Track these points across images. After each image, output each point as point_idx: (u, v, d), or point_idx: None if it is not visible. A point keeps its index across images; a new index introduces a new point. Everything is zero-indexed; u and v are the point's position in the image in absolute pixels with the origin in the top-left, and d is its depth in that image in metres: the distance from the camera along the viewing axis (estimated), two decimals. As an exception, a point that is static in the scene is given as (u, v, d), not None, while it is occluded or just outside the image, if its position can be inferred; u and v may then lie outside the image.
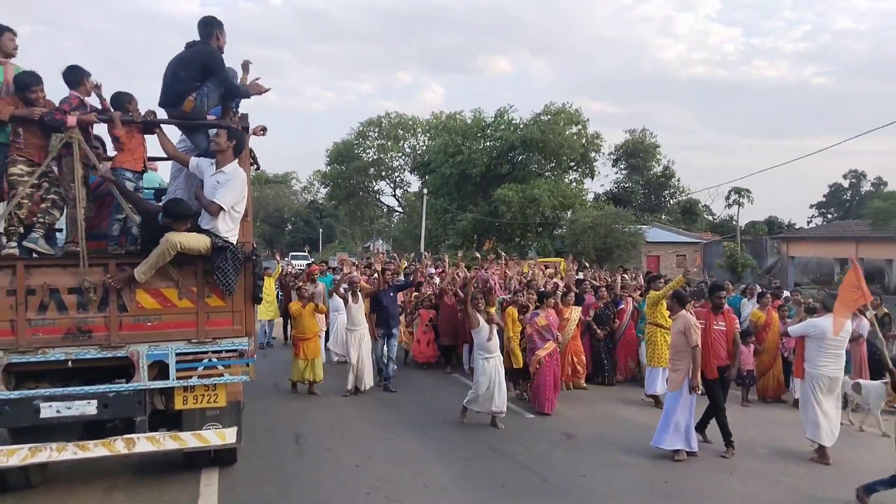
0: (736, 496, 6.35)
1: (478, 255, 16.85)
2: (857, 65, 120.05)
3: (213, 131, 6.20)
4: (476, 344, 8.76)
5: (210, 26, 6.20)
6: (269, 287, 14.65)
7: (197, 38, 6.21)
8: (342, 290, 10.82)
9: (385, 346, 10.97)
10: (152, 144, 6.43)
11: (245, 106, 6.70)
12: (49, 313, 5.57)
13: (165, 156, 6.68)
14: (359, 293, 10.61)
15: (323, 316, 11.97)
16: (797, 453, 7.63)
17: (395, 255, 18.97)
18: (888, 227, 24.87)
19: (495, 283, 11.75)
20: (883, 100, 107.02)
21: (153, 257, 5.60)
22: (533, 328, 9.55)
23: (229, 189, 5.88)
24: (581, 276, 14.95)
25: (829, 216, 69.62)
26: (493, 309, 9.13)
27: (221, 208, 5.84)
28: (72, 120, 5.58)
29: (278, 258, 18.61)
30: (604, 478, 6.81)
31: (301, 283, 12.21)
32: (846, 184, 72.41)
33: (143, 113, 6.21)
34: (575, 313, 10.82)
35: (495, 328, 8.75)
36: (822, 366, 7.47)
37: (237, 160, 6.10)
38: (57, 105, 5.75)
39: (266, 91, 6.42)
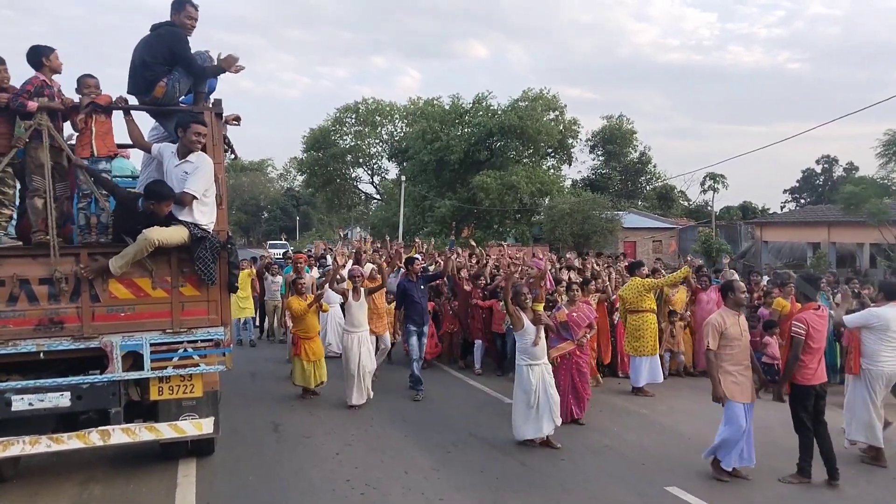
0: (709, 474, 6.43)
1: (473, 242, 15.73)
2: (829, 51, 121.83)
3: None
4: (518, 347, 7.40)
5: (176, 5, 6.06)
6: (244, 281, 13.15)
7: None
8: (340, 285, 9.40)
9: (415, 345, 9.76)
10: (120, 130, 6.28)
11: (219, 92, 6.57)
12: (19, 304, 5.45)
13: (131, 143, 6.53)
14: (361, 289, 9.12)
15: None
16: (778, 442, 7.69)
17: (386, 239, 17.99)
18: (859, 212, 25.19)
19: (548, 275, 9.72)
20: (855, 85, 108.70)
21: (130, 252, 5.51)
22: (553, 323, 8.27)
23: (198, 177, 5.77)
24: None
25: (802, 201, 70.50)
26: (540, 306, 7.61)
27: (194, 197, 5.75)
28: (33, 105, 5.44)
29: (265, 251, 17.27)
30: (582, 461, 6.86)
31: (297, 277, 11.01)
32: (819, 169, 73.45)
33: (114, 98, 6.06)
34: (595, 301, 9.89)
35: (542, 329, 7.35)
36: (884, 361, 6.67)
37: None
38: (19, 89, 5.59)
39: (240, 67, 6.20)
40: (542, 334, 7.31)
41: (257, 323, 15.16)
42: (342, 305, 11.69)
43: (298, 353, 9.19)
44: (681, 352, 10.86)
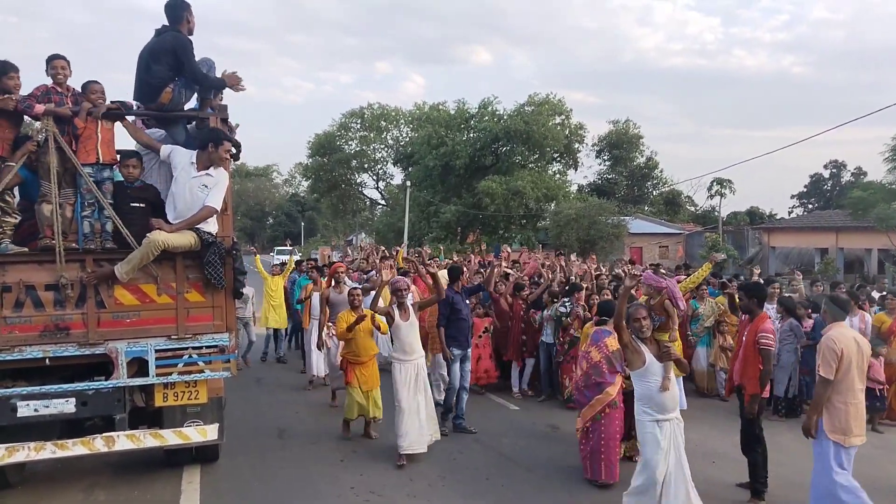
0: (717, 482, 6.37)
1: (508, 248, 14.05)
2: (834, 54, 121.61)
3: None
4: (638, 395, 5.34)
5: (179, 9, 6.06)
6: (278, 288, 12.50)
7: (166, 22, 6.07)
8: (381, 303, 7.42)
9: (457, 372, 8.06)
10: (122, 137, 6.24)
11: (224, 98, 6.56)
12: (25, 310, 5.46)
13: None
14: (410, 306, 7.34)
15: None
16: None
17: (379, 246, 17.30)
18: (867, 217, 25.06)
19: (675, 293, 6.87)
20: (860, 89, 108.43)
21: (136, 257, 5.51)
22: (602, 354, 6.59)
23: (219, 191, 5.87)
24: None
25: (810, 206, 70.20)
26: (666, 336, 5.74)
27: (216, 211, 5.84)
28: (39, 108, 5.45)
29: (292, 247, 15.48)
30: (589, 469, 6.81)
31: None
32: (827, 174, 73.11)
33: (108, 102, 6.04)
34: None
35: (671, 369, 5.31)
36: None
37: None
38: (28, 94, 5.63)
39: (242, 89, 6.25)
40: (673, 375, 5.33)
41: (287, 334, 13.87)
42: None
43: (350, 380, 7.68)
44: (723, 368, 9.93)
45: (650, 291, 6.73)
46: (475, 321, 9.55)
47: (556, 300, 9.69)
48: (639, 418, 5.33)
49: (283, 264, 13.53)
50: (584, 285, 9.89)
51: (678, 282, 5.68)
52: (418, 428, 6.95)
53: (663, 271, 10.97)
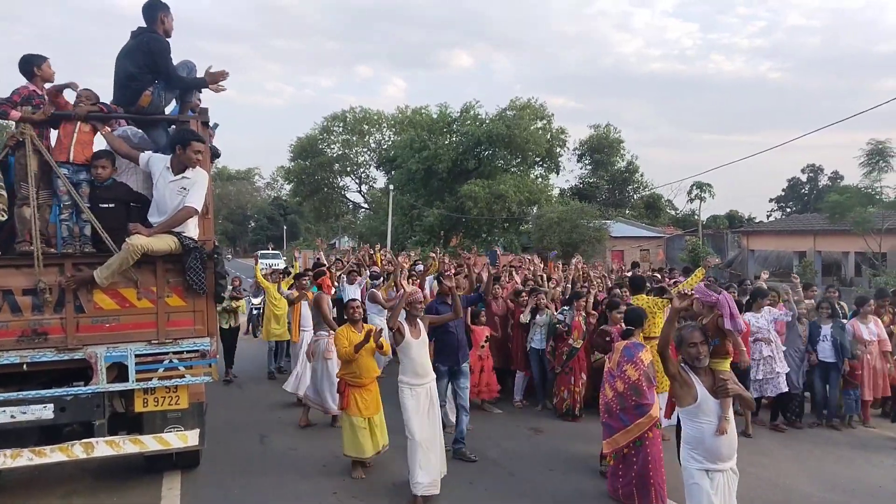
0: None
1: (499, 251, 13.45)
2: (810, 60, 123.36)
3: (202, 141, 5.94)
4: (685, 436, 4.48)
5: (154, 10, 6.00)
6: (281, 297, 10.99)
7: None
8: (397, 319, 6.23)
9: (452, 389, 7.62)
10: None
11: (205, 101, 6.52)
12: (2, 315, 5.38)
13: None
14: (420, 323, 6.48)
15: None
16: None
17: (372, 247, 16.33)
18: (844, 221, 25.36)
19: (732, 309, 5.31)
20: (836, 95, 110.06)
21: (115, 262, 5.44)
22: (640, 371, 6.03)
23: (197, 191, 5.79)
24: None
25: (788, 210, 70.99)
26: (725, 364, 4.80)
27: (196, 211, 5.78)
28: (15, 114, 5.39)
29: (297, 255, 14.69)
30: (571, 471, 6.84)
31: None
32: (804, 178, 73.99)
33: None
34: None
35: (730, 406, 4.34)
36: None
37: None
38: (7, 97, 5.55)
39: (223, 89, 6.17)
40: (731, 415, 4.33)
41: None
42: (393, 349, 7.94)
43: (346, 405, 6.75)
44: None
45: (701, 309, 5.52)
46: (475, 330, 9.01)
47: (546, 300, 9.56)
48: (685, 464, 4.44)
49: (288, 271, 12.73)
50: (584, 291, 9.57)
51: (674, 285, 5.30)
52: (435, 464, 6.11)
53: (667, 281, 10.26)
